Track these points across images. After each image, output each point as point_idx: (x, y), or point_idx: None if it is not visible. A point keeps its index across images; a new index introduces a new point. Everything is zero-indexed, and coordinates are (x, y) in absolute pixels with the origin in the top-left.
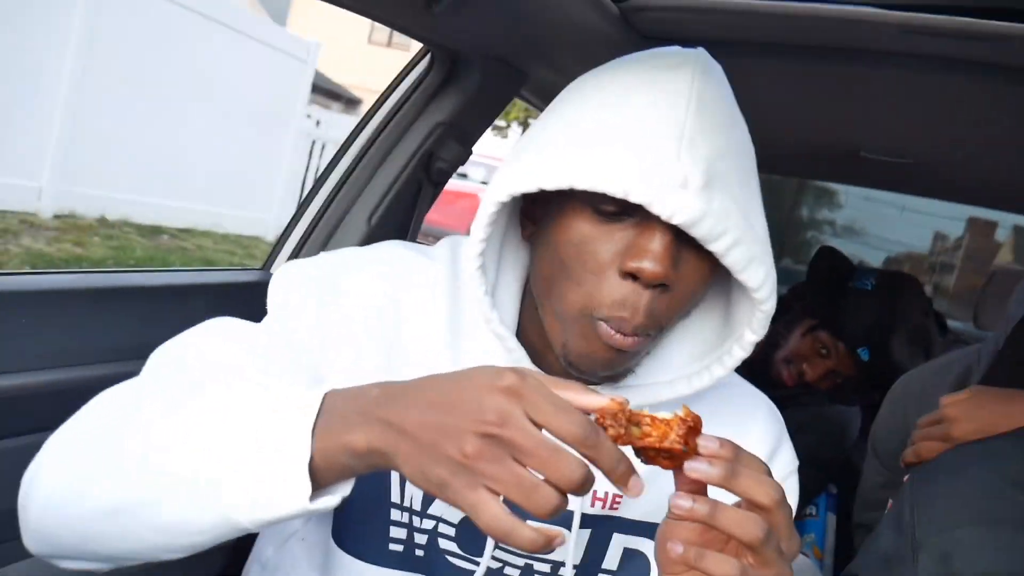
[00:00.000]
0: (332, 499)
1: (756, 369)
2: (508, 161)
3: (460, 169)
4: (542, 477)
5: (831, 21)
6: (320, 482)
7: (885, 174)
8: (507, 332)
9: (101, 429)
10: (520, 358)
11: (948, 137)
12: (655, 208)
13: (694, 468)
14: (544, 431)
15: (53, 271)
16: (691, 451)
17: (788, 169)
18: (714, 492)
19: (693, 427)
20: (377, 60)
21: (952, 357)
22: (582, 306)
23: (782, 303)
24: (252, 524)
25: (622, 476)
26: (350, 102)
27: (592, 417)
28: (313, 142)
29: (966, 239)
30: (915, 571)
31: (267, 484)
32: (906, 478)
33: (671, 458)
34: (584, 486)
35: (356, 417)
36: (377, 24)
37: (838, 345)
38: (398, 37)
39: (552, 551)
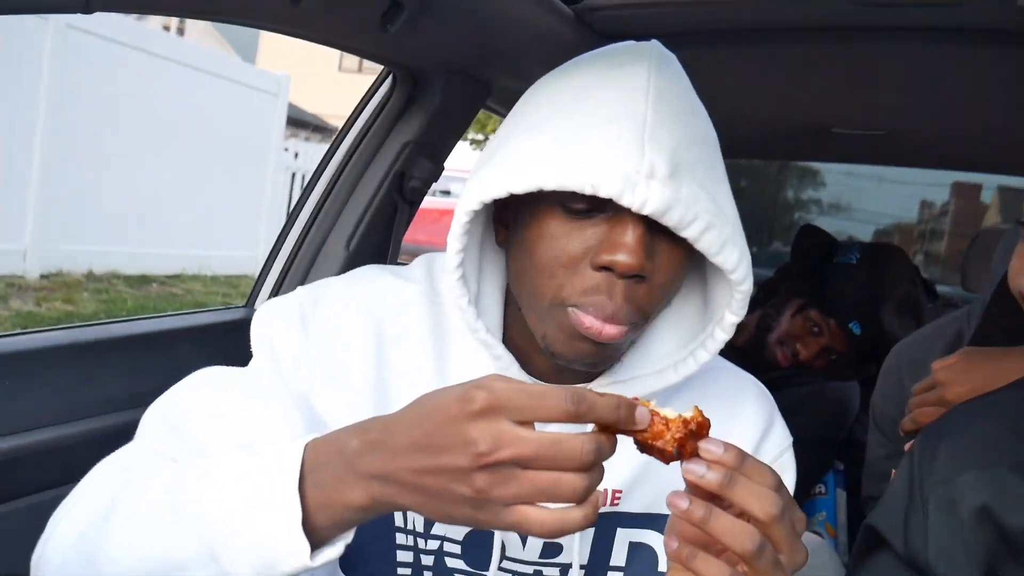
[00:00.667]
0: (335, 550)
1: (750, 353)
2: (476, 169)
3: (443, 186)
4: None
5: (780, 2)
6: (321, 536)
7: (860, 148)
8: (494, 340)
9: (106, 505)
10: (508, 365)
11: (919, 104)
12: (625, 200)
13: (691, 470)
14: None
15: (35, 330)
16: (686, 454)
17: (762, 152)
18: None
19: (696, 431)
20: (349, 87)
21: (942, 322)
22: (552, 296)
23: (770, 285)
24: None
25: (628, 418)
26: (326, 131)
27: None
28: (293, 174)
29: (952, 204)
30: (926, 523)
31: (264, 550)
32: (907, 446)
33: (664, 455)
34: (600, 455)
35: (347, 475)
36: None
37: (829, 322)
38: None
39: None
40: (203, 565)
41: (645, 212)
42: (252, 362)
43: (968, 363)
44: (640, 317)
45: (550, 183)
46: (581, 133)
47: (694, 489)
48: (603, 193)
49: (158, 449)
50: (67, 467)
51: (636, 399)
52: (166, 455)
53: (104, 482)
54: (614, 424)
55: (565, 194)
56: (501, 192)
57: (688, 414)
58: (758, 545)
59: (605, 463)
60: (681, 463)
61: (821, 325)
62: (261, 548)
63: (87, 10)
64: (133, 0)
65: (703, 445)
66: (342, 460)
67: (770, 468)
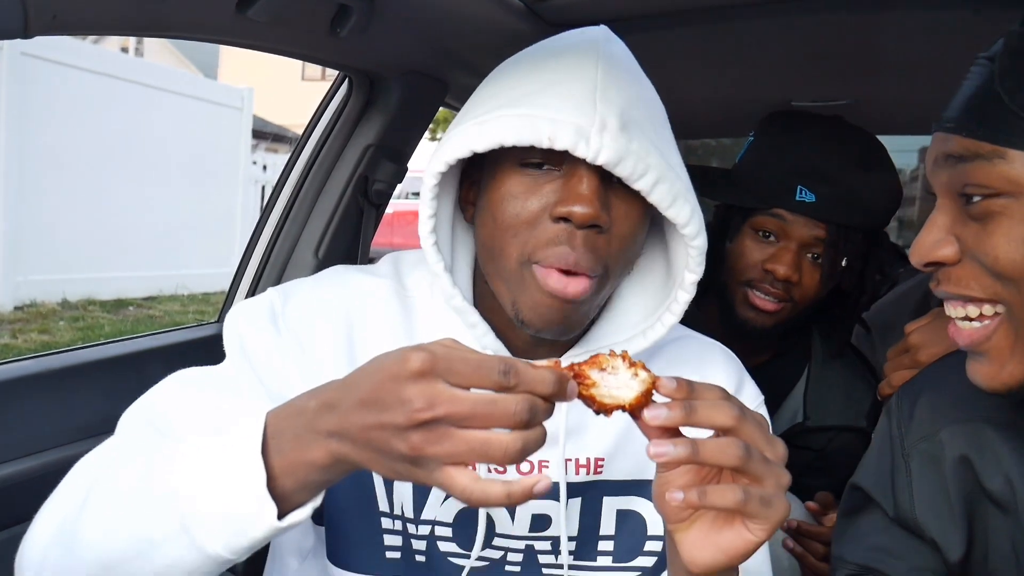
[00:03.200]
0: (303, 512)
1: (734, 330)
2: (442, 141)
3: (415, 188)
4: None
5: None
6: (292, 500)
7: None
8: (468, 306)
9: (83, 494)
10: (483, 333)
11: (881, 72)
12: (579, 151)
13: (655, 416)
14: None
15: (4, 361)
16: (637, 405)
17: (723, 131)
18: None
19: (647, 390)
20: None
21: (910, 285)
22: (519, 254)
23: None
24: (231, 553)
25: (559, 391)
26: (294, 142)
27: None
28: (263, 187)
29: (921, 169)
30: (910, 481)
31: (233, 513)
32: (886, 405)
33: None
34: (534, 415)
35: (307, 435)
36: None
37: (774, 212)
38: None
39: (536, 496)
40: (176, 539)
41: (599, 162)
42: (225, 361)
43: (939, 323)
44: (601, 267)
45: (509, 138)
46: (536, 95)
47: (659, 435)
48: (559, 145)
49: (134, 443)
50: (44, 498)
51: (612, 352)
52: (141, 446)
53: (80, 476)
54: (546, 396)
55: (523, 151)
56: (463, 151)
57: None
58: (744, 449)
59: (586, 432)
60: (644, 412)
61: (768, 223)
62: (230, 515)
63: (26, 35)
64: (76, 23)
65: (662, 382)
66: (302, 421)
67: (712, 385)
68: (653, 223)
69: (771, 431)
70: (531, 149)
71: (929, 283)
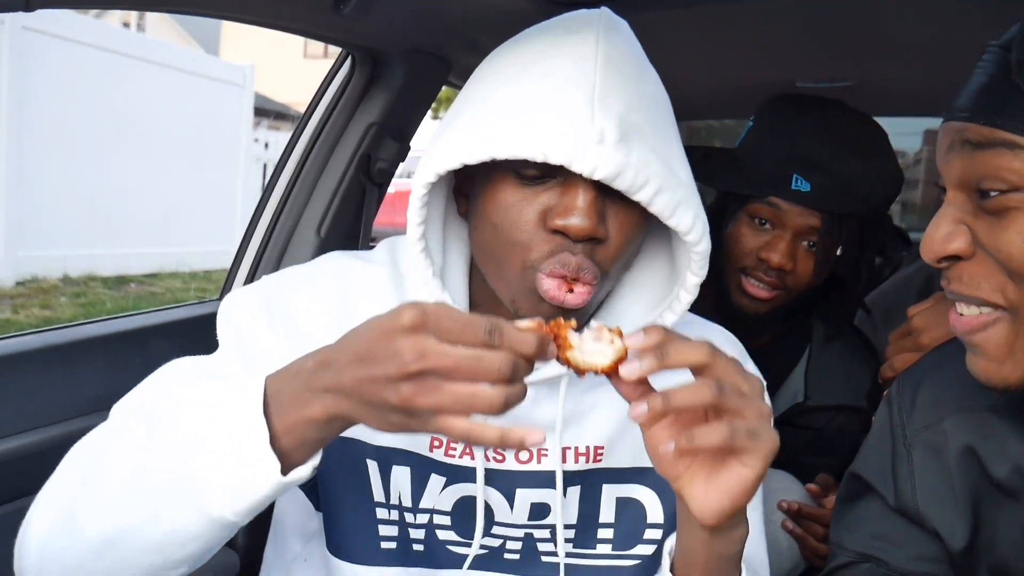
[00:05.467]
0: (305, 469)
1: (730, 315)
2: (432, 142)
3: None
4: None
5: None
6: (293, 459)
7: None
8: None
9: (82, 471)
10: None
11: (886, 52)
12: (575, 166)
13: (630, 370)
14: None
15: (6, 336)
16: (612, 368)
17: (726, 112)
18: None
19: (621, 357)
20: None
21: (912, 269)
22: (521, 262)
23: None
24: (235, 515)
25: (540, 352)
26: (295, 119)
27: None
28: (265, 164)
29: (924, 152)
30: (912, 470)
31: (236, 472)
32: (886, 393)
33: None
34: (516, 372)
35: (304, 393)
36: None
37: (769, 201)
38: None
39: (527, 446)
40: (179, 503)
41: (596, 177)
42: (219, 351)
43: (942, 307)
44: (601, 273)
45: (502, 152)
46: (531, 101)
47: (636, 393)
48: (554, 160)
49: (131, 423)
50: (48, 471)
51: (608, 327)
52: (138, 424)
53: (78, 456)
54: (528, 356)
55: (518, 162)
56: (455, 163)
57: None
58: (716, 388)
59: (586, 420)
60: (620, 369)
61: (764, 211)
62: (234, 474)
63: (28, 8)
64: None
65: (627, 339)
66: (299, 380)
67: (682, 335)
68: (656, 219)
69: (771, 414)
70: (525, 160)
71: (940, 281)
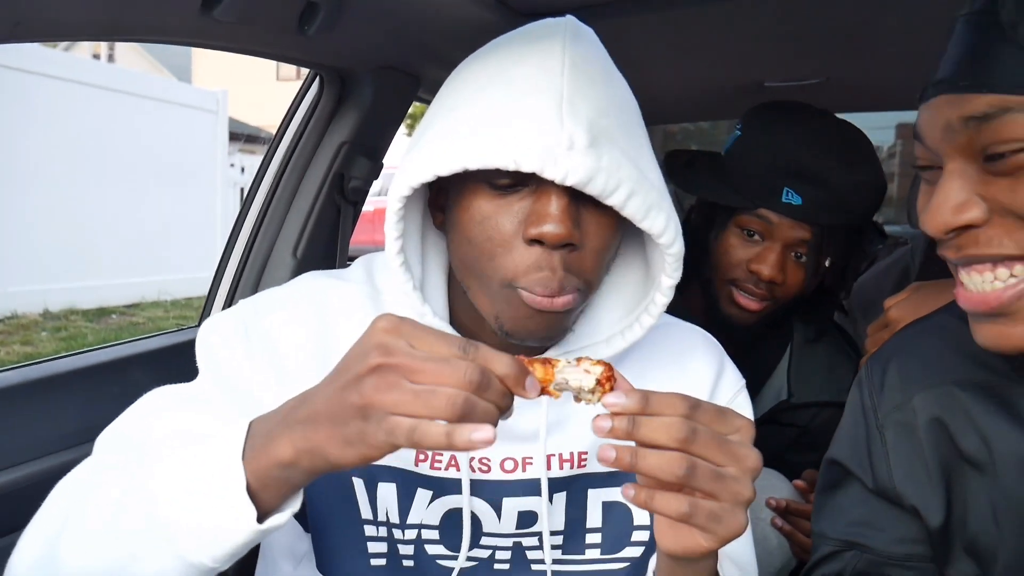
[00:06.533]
0: (282, 516)
1: (717, 323)
2: (405, 157)
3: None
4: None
5: None
6: (266, 504)
7: (796, 98)
8: (441, 322)
9: (64, 511)
10: None
11: (855, 48)
12: (547, 173)
13: (599, 427)
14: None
15: None
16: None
17: (696, 114)
18: None
19: (603, 378)
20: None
21: (889, 261)
22: (502, 277)
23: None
24: (213, 561)
25: (517, 379)
26: (270, 142)
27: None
28: (242, 189)
29: (898, 146)
30: (886, 450)
31: (213, 519)
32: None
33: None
34: (483, 385)
35: (276, 430)
36: None
37: (759, 213)
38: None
39: (477, 444)
40: (158, 550)
41: (568, 183)
42: (198, 378)
43: (918, 298)
44: (584, 283)
45: (474, 162)
46: (500, 110)
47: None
48: (525, 168)
49: (111, 462)
50: (32, 508)
51: (581, 359)
52: (119, 464)
53: (59, 498)
54: (501, 376)
55: (490, 171)
56: (427, 176)
57: (598, 369)
58: (687, 467)
59: (568, 427)
60: (593, 422)
61: (753, 223)
62: (211, 521)
63: None
64: (39, 29)
65: (606, 400)
66: (277, 418)
67: (680, 396)
68: (629, 223)
69: (751, 418)
70: (498, 169)
71: (939, 250)
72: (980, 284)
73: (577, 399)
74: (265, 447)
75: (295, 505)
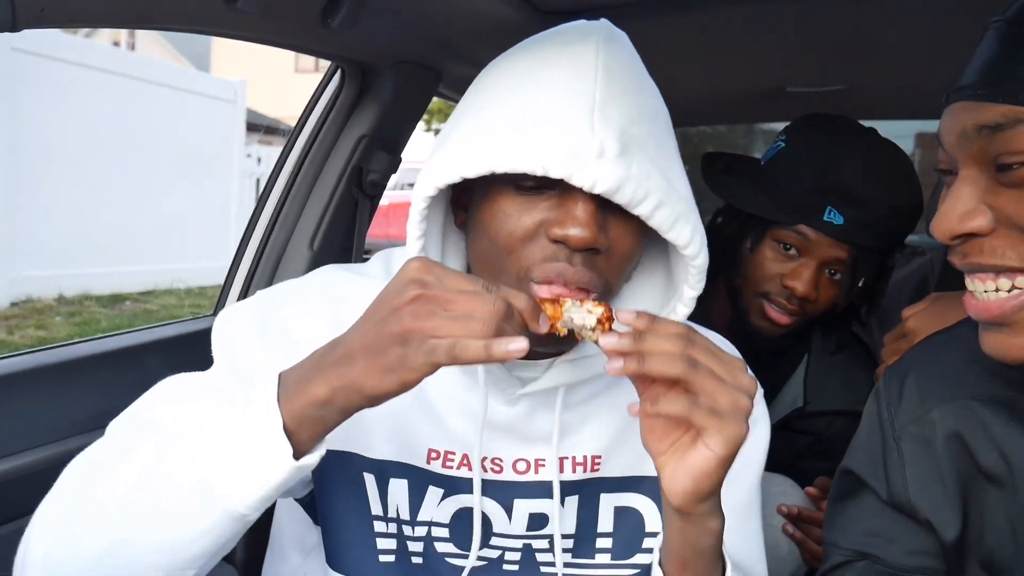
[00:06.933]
0: (313, 457)
1: (743, 336)
2: (431, 156)
3: (412, 179)
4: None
5: None
6: (300, 446)
7: (818, 105)
8: None
9: (86, 480)
10: None
11: (877, 56)
12: (575, 180)
13: (607, 343)
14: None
15: (2, 356)
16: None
17: (718, 117)
18: None
19: (603, 318)
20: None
21: (907, 271)
22: (517, 270)
23: (711, 233)
24: (246, 506)
25: (532, 313)
26: (287, 133)
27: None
28: (258, 180)
29: (916, 155)
30: (902, 462)
31: (250, 460)
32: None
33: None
34: (509, 314)
35: (311, 374)
36: None
37: (798, 229)
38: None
39: (513, 354)
40: (191, 497)
41: (596, 191)
42: (214, 367)
43: (937, 308)
44: (602, 284)
45: (501, 166)
46: (531, 114)
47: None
48: (554, 174)
49: (135, 434)
50: (45, 491)
51: (584, 300)
52: (144, 435)
53: (80, 467)
54: (520, 309)
55: (517, 174)
56: (454, 177)
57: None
58: (688, 363)
59: (582, 430)
60: (600, 340)
61: (791, 238)
62: (248, 460)
63: (13, 28)
64: (64, 15)
65: (617, 312)
66: (310, 363)
67: (676, 322)
68: (652, 231)
69: (768, 420)
70: (525, 173)
71: (948, 256)
72: (983, 292)
73: (579, 336)
74: (300, 389)
75: (324, 447)
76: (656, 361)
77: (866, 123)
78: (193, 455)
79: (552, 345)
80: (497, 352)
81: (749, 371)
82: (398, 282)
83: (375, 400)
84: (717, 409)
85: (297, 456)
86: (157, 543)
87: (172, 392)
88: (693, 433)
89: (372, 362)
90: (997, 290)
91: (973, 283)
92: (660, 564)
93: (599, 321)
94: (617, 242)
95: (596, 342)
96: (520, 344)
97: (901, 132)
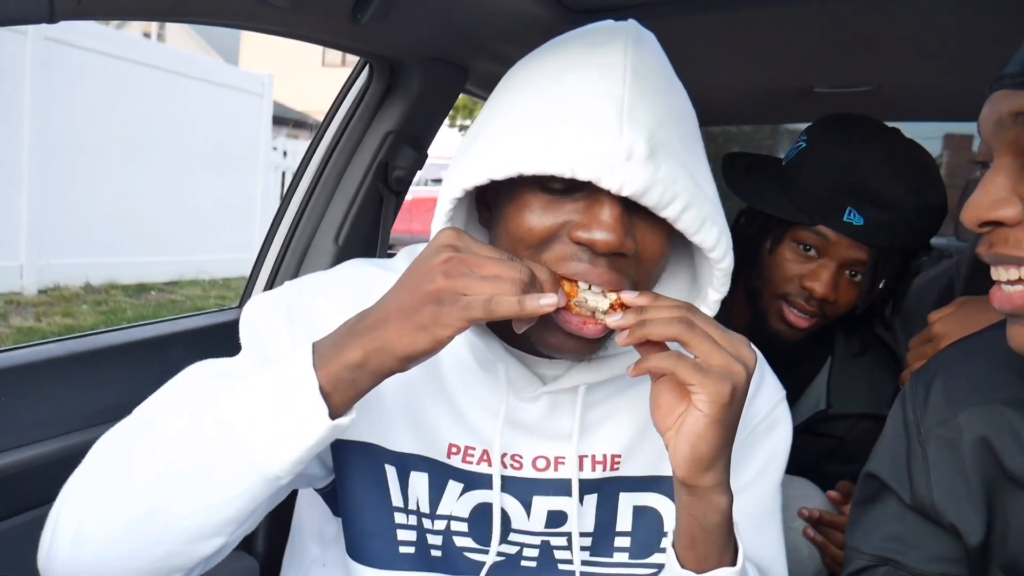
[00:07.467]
0: (347, 419)
1: (762, 338)
2: (458, 156)
3: (436, 175)
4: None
5: None
6: (335, 409)
7: (846, 106)
8: (479, 328)
9: (118, 453)
10: (492, 343)
11: (905, 58)
12: (603, 183)
13: (613, 322)
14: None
15: (29, 344)
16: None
17: (745, 117)
18: None
19: (616, 304)
20: (334, 82)
21: (933, 274)
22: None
23: (732, 234)
24: (281, 467)
25: (552, 286)
26: (314, 128)
27: None
28: (284, 173)
29: (945, 156)
30: (927, 466)
31: (287, 420)
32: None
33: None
34: (533, 282)
35: (345, 339)
36: None
37: (817, 230)
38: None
39: (542, 309)
40: (229, 459)
41: (624, 194)
42: (241, 353)
43: (963, 312)
44: (630, 286)
45: (529, 168)
46: (559, 116)
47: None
48: (581, 176)
49: (165, 406)
50: (60, 481)
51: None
52: (175, 407)
53: (112, 441)
54: (541, 281)
55: (544, 176)
56: (482, 179)
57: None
58: (686, 325)
59: (602, 429)
60: (607, 319)
61: (810, 238)
62: (284, 422)
63: (51, 20)
64: (101, 8)
65: (623, 295)
66: (343, 330)
67: (679, 300)
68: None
69: (790, 423)
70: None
71: (977, 248)
72: (1007, 284)
73: (592, 316)
74: (335, 354)
75: (355, 412)
76: (655, 325)
77: (894, 124)
78: (229, 417)
79: (585, 352)
80: (530, 306)
81: (752, 347)
82: (431, 248)
83: (407, 361)
84: (704, 367)
85: (332, 418)
86: (190, 509)
87: (203, 371)
88: (690, 402)
89: (406, 322)
90: (1020, 280)
91: (1000, 273)
92: (673, 545)
93: (612, 306)
94: (644, 245)
95: (605, 324)
96: (550, 299)
97: (930, 133)
